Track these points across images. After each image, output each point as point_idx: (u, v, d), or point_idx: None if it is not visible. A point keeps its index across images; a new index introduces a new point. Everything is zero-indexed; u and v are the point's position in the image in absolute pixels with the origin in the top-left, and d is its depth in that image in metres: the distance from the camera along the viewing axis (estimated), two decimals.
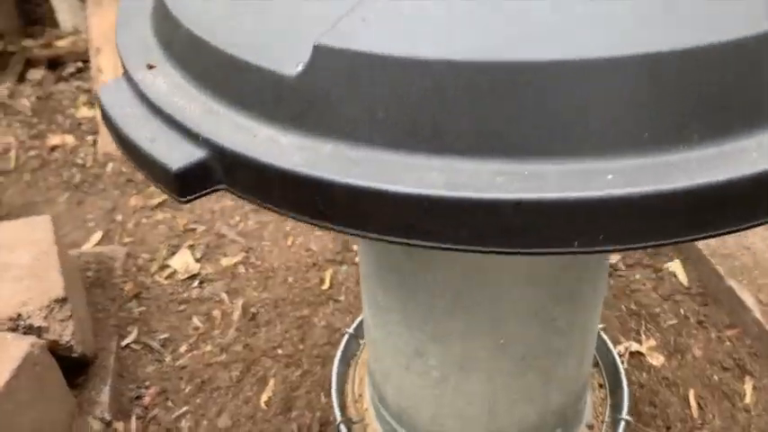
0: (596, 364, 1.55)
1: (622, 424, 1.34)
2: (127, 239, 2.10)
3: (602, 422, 1.40)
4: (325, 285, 1.95)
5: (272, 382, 1.68)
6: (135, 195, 2.29)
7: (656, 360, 1.72)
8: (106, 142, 2.43)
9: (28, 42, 3.30)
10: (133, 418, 1.59)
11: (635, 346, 1.74)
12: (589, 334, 1.16)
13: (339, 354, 1.50)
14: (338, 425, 1.34)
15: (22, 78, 3.10)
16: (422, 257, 0.93)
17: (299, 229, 2.10)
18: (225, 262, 1.99)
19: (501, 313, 0.97)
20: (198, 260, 1.99)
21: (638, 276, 1.95)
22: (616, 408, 1.40)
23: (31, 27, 3.41)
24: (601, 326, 1.52)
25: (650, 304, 1.85)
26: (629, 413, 1.36)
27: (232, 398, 1.65)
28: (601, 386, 1.51)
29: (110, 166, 2.44)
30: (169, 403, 1.65)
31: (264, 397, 1.65)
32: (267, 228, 2.12)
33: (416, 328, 1.05)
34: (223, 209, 2.20)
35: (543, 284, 0.95)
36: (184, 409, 1.63)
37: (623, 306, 1.85)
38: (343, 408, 1.43)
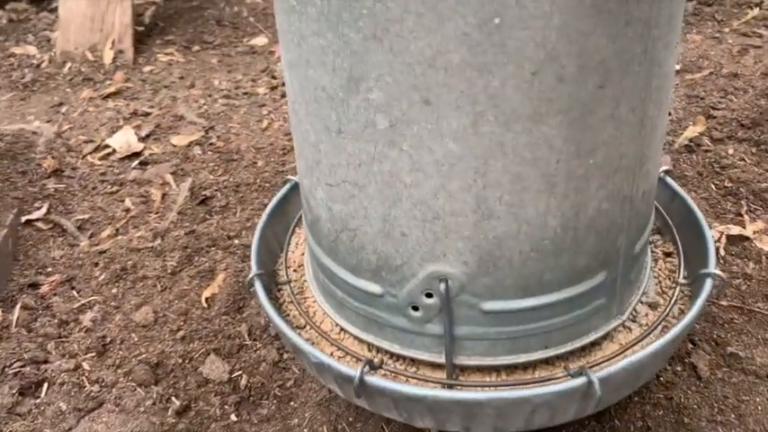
0: (658, 230, 1.02)
1: (708, 281, 0.81)
2: (66, 126, 1.66)
3: (675, 293, 0.87)
4: None
5: (220, 276, 1.20)
6: (89, 89, 1.87)
7: None
8: (65, 40, 2.02)
9: None
10: (17, 307, 1.12)
11: (736, 230, 1.20)
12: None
13: (276, 200, 1.00)
14: (250, 278, 0.84)
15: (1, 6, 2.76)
16: None
17: (279, 113, 1.63)
18: (176, 141, 1.54)
19: None
20: (142, 139, 1.55)
21: (731, 151, 1.41)
22: (695, 269, 0.86)
23: None
24: (663, 168, 0.99)
25: (752, 180, 1.30)
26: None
27: (161, 291, 1.18)
28: (669, 254, 0.98)
29: (67, 65, 2.04)
30: (73, 292, 1.19)
31: (207, 293, 1.17)
32: (238, 111, 1.66)
33: (345, 13, 0.57)
34: (188, 96, 1.76)
35: None
36: (91, 298, 1.16)
37: (712, 185, 1.32)
38: (268, 267, 0.94)
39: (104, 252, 1.27)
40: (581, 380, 0.69)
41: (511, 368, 0.79)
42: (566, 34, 0.55)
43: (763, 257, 1.12)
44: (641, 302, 0.89)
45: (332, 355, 0.84)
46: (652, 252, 0.98)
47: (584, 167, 0.64)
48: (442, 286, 0.70)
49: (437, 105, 0.59)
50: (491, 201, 0.64)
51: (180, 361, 1.04)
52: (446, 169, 0.62)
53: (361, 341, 0.83)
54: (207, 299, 1.15)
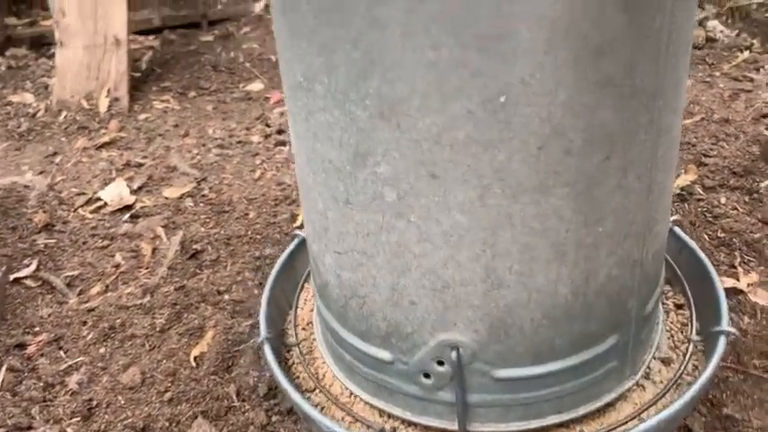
0: (668, 282, 1.01)
1: (722, 339, 0.80)
2: (59, 177, 1.67)
3: (687, 348, 0.86)
4: (298, 222, 1.47)
5: (210, 334, 1.19)
6: (83, 138, 1.89)
7: (764, 299, 1.16)
8: (61, 88, 2.05)
9: (11, 20, 3.03)
10: (2, 370, 1.11)
11: (729, 282, 1.18)
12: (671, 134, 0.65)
13: (284, 256, 1.00)
14: (260, 341, 0.84)
15: (1, 53, 2.81)
16: None
17: (272, 162, 1.64)
18: (168, 193, 1.54)
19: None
20: (134, 191, 1.55)
21: (722, 200, 1.40)
22: (707, 324, 0.85)
23: (18, 5, 3.16)
24: (674, 217, 0.99)
25: (745, 230, 1.29)
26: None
27: (149, 350, 1.16)
28: (680, 306, 0.97)
29: (63, 114, 2.06)
30: (60, 353, 1.17)
31: (196, 351, 1.15)
32: (231, 161, 1.67)
33: (352, 92, 0.57)
34: (182, 146, 1.77)
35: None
36: (78, 359, 1.14)
37: (705, 234, 1.31)
38: (277, 326, 0.93)
39: (93, 310, 1.26)
40: None
41: None
42: (571, 109, 0.56)
43: (759, 311, 1.10)
44: (654, 358, 0.88)
45: (342, 419, 0.83)
46: (663, 304, 0.97)
47: (593, 236, 0.64)
48: (454, 354, 0.69)
49: (444, 179, 0.59)
50: (500, 270, 0.64)
51: (167, 425, 1.01)
52: (454, 240, 0.62)
53: (371, 406, 0.82)
54: (196, 357, 1.13)
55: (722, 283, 1.15)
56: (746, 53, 2.31)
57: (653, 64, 0.58)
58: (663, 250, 0.79)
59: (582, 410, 0.77)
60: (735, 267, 1.22)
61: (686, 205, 1.40)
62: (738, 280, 1.19)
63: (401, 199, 0.62)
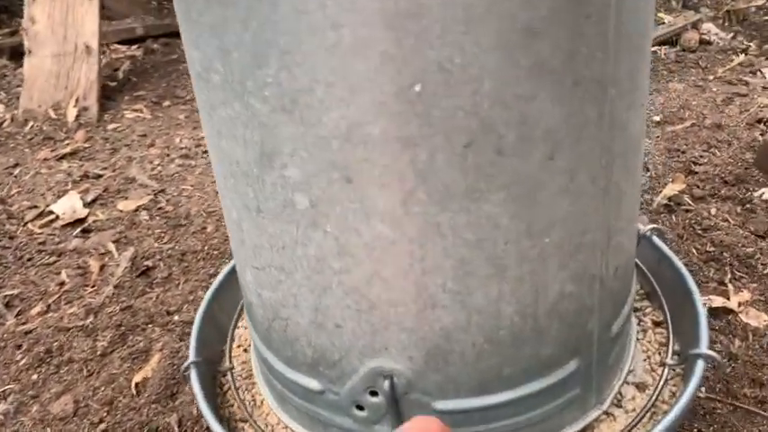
0: (646, 296, 0.93)
1: (699, 363, 0.71)
2: (15, 190, 1.60)
3: (663, 372, 0.77)
4: None
5: (155, 358, 1.10)
6: (47, 149, 1.81)
7: (756, 319, 1.07)
8: (28, 98, 1.98)
9: None
10: None
11: (719, 301, 1.10)
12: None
13: (226, 271, 0.92)
14: (186, 365, 0.75)
15: None
16: None
17: None
18: (123, 206, 1.46)
19: None
20: (88, 204, 1.47)
21: (713, 211, 1.31)
22: (687, 346, 0.76)
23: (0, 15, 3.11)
24: (650, 226, 0.90)
25: (736, 244, 1.21)
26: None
27: (87, 376, 1.08)
28: (659, 324, 0.88)
29: (29, 124, 1.99)
30: None
31: (138, 377, 1.07)
32: (193, 171, 1.59)
33: (249, 82, 0.49)
34: (145, 156, 1.69)
35: None
36: (8, 387, 1.06)
37: (693, 249, 1.22)
38: (215, 349, 0.85)
39: (30, 332, 1.18)
40: None
41: None
42: (500, 100, 0.47)
43: (750, 334, 1.01)
44: (627, 383, 0.79)
45: None
46: (640, 321, 0.89)
47: (538, 248, 0.55)
48: (387, 384, 0.61)
49: (359, 183, 0.51)
50: (433, 288, 0.55)
51: None
52: (378, 254, 0.54)
53: None
54: (137, 384, 1.05)
55: (710, 302, 1.06)
56: (742, 56, 2.23)
57: (600, 48, 0.50)
58: (630, 264, 0.70)
59: None
60: (725, 284, 1.13)
61: (674, 216, 1.31)
62: (728, 298, 1.10)
63: (314, 206, 0.53)
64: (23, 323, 1.18)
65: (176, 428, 0.95)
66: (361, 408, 0.64)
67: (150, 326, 1.16)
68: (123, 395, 1.02)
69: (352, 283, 0.56)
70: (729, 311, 1.06)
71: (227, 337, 0.90)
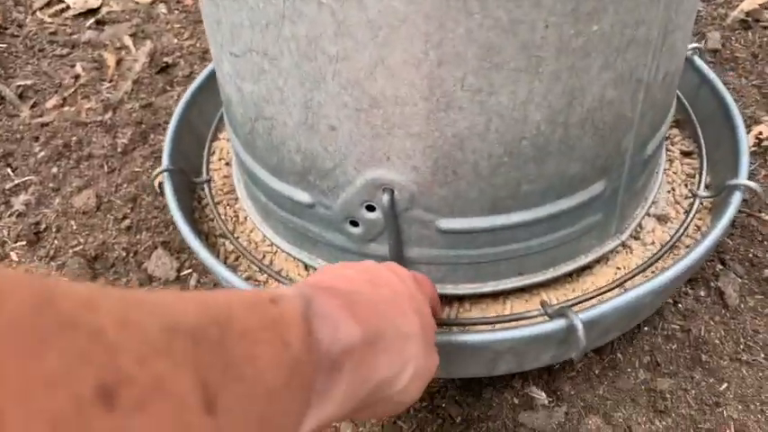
0: (676, 123, 0.83)
1: (737, 195, 0.63)
2: None
3: (692, 204, 0.69)
4: None
5: None
6: None
7: None
8: None
9: None
10: None
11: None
12: None
13: (210, 68, 0.81)
14: (157, 173, 0.67)
15: None
16: None
17: None
18: None
19: None
20: None
21: None
22: (721, 178, 0.68)
23: None
24: (692, 45, 0.79)
25: None
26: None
27: (108, 172, 1.02)
28: (688, 154, 0.79)
29: None
30: (8, 170, 1.04)
31: (162, 176, 1.00)
32: None
33: None
34: None
35: None
36: (27, 178, 1.01)
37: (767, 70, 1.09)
38: (191, 158, 0.76)
39: (47, 125, 1.11)
40: (559, 323, 0.53)
41: (476, 298, 0.63)
42: None
43: None
44: (648, 215, 0.72)
45: (254, 280, 0.68)
46: (668, 150, 0.80)
47: (583, 37, 0.44)
48: (386, 198, 0.52)
49: None
50: (449, 83, 0.45)
51: (123, 254, 0.90)
52: (384, 35, 0.43)
53: (294, 258, 0.67)
54: (161, 183, 1.00)
55: (760, 136, 0.96)
56: None
57: None
58: (679, 71, 0.60)
59: (550, 273, 0.62)
60: None
61: (750, 34, 1.17)
62: None
63: None
64: (39, 115, 1.12)
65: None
66: (355, 224, 0.57)
67: None
68: (146, 193, 0.97)
69: (351, 74, 0.46)
70: None
71: (205, 147, 0.81)
